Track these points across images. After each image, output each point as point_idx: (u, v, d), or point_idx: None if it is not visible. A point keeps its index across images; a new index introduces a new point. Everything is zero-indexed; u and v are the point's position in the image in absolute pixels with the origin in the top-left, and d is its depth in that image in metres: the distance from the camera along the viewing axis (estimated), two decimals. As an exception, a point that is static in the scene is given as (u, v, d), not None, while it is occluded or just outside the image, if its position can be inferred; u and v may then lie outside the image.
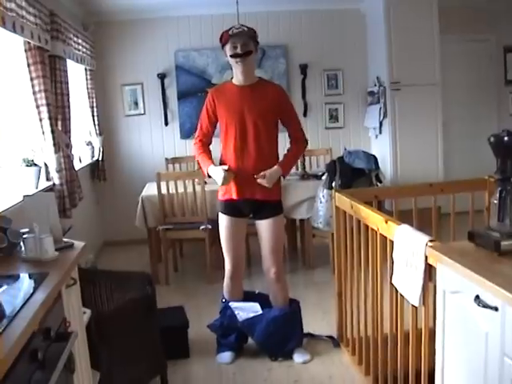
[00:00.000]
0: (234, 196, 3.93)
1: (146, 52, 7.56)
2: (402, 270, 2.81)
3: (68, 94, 5.47)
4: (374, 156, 5.88)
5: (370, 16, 7.70)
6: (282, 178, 3.97)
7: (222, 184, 3.86)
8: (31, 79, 4.60)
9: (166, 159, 7.13)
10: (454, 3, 7.49)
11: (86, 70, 6.83)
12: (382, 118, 7.47)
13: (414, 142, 7.37)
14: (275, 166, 3.88)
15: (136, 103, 7.69)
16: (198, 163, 4.15)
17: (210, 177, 3.97)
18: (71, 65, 6.00)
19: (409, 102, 7.32)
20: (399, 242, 2.85)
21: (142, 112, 7.69)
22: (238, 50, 3.77)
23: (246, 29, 3.79)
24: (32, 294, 2.09)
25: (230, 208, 3.97)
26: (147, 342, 3.54)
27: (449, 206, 4.07)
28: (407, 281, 2.76)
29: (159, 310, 3.89)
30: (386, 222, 3.04)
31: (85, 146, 7.03)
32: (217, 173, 3.85)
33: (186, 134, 7.59)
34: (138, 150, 7.70)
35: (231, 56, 3.81)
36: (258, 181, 3.81)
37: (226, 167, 3.83)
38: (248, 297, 4.23)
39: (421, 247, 2.56)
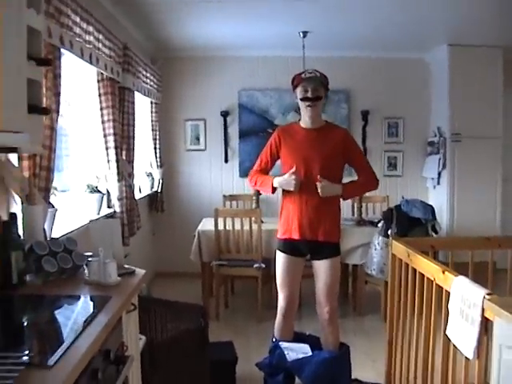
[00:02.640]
0: (295, 236, 3.96)
1: (210, 89, 7.74)
2: (458, 321, 2.79)
3: (134, 125, 5.64)
4: (431, 206, 5.85)
5: (433, 65, 7.73)
6: (341, 199, 4.00)
7: (295, 188, 3.85)
8: (101, 109, 4.77)
9: (224, 196, 7.23)
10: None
11: (151, 102, 7.02)
12: (440, 168, 7.43)
13: (472, 195, 7.30)
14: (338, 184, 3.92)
15: (198, 138, 7.83)
16: (259, 183, 4.10)
17: (274, 191, 4.00)
18: (138, 97, 6.18)
19: (469, 154, 7.28)
20: (456, 294, 2.83)
21: (203, 148, 7.84)
22: (309, 95, 3.85)
23: (318, 74, 3.88)
24: (95, 316, 2.16)
25: (289, 247, 4.01)
26: (197, 374, 3.58)
27: (503, 262, 4.03)
28: (462, 333, 2.74)
29: (209, 343, 3.93)
30: (443, 273, 3.03)
31: (145, 177, 7.19)
32: (286, 179, 3.87)
33: (245, 172, 7.66)
34: (197, 185, 7.83)
35: (301, 99, 3.89)
36: (317, 183, 3.82)
37: (293, 170, 3.84)
38: (298, 338, 4.22)
39: (478, 300, 2.54)
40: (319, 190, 3.83)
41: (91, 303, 2.42)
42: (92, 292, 2.55)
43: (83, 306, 2.41)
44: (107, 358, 2.14)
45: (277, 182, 3.94)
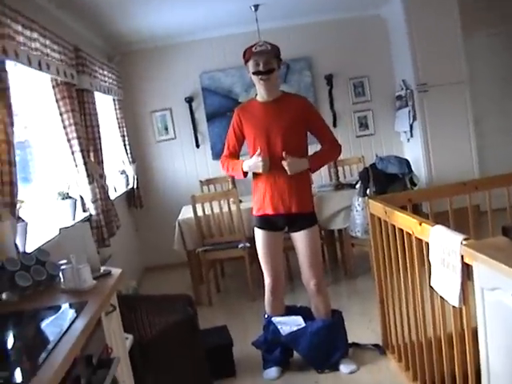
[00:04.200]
0: (269, 211, 3.94)
1: (171, 77, 7.67)
2: (440, 271, 2.78)
3: (98, 126, 5.56)
4: (406, 160, 5.84)
5: (390, 20, 7.69)
6: (309, 171, 3.96)
7: (264, 169, 3.82)
8: (60, 114, 4.69)
9: (200, 181, 7.19)
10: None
11: (114, 100, 6.94)
12: (411, 121, 7.42)
13: (446, 142, 7.30)
14: (303, 158, 3.89)
15: (166, 128, 7.78)
16: (230, 170, 4.07)
17: (246, 175, 3.96)
18: (99, 96, 6.10)
19: (438, 103, 7.26)
20: (434, 244, 2.82)
21: (173, 137, 7.79)
22: (261, 68, 3.80)
23: (269, 46, 3.82)
24: (72, 323, 2.13)
25: (265, 222, 3.99)
26: (192, 364, 3.56)
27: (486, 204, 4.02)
28: (446, 282, 2.73)
29: (203, 330, 3.92)
30: (420, 225, 3.02)
31: (119, 175, 7.13)
32: (254, 162, 3.84)
33: (218, 154, 7.55)
34: (172, 175, 7.78)
35: (253, 73, 3.84)
36: (282, 162, 3.79)
37: (258, 152, 3.81)
38: (290, 311, 4.22)
39: (456, 246, 2.53)
40: (286, 168, 3.79)
41: (72, 311, 2.38)
42: (69, 299, 2.52)
43: (64, 315, 2.37)
44: (90, 364, 2.11)
45: (246, 166, 3.91)
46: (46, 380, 1.65)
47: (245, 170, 3.92)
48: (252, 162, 3.86)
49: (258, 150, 3.82)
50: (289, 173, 3.80)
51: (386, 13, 7.67)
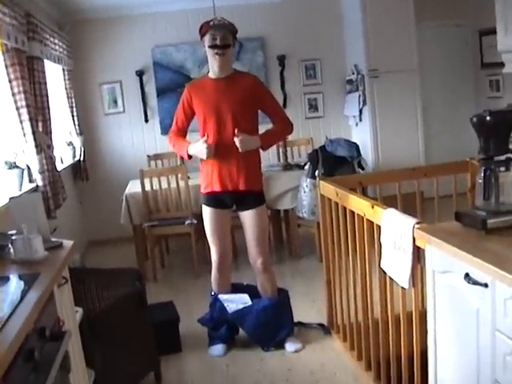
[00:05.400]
0: (217, 188, 3.94)
1: (123, 50, 7.52)
2: (391, 253, 2.84)
3: (47, 95, 5.42)
4: (355, 144, 5.92)
5: (344, 5, 7.73)
6: (260, 150, 4.00)
7: (208, 156, 3.83)
8: (9, 81, 4.56)
9: (148, 156, 7.10)
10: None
11: (63, 70, 6.78)
12: (361, 105, 7.50)
13: (394, 128, 7.41)
14: (255, 136, 3.91)
15: (115, 101, 7.65)
16: (176, 148, 4.10)
17: (190, 157, 3.97)
18: (49, 66, 5.95)
19: (387, 89, 7.35)
20: (386, 226, 2.87)
21: (122, 110, 7.67)
22: (218, 42, 3.78)
23: (227, 22, 3.81)
24: (25, 295, 2.09)
25: (213, 200, 3.99)
26: (139, 338, 3.55)
27: (431, 191, 4.11)
28: (396, 264, 2.79)
29: (149, 305, 3.89)
30: (373, 207, 3.06)
31: (66, 147, 6.99)
32: (198, 147, 3.84)
33: (167, 130, 7.37)
34: (120, 149, 7.67)
35: (210, 47, 3.81)
36: (234, 139, 3.79)
37: (204, 139, 3.82)
38: (236, 289, 4.25)
39: (408, 230, 2.59)
40: (238, 145, 3.79)
41: (22, 282, 2.33)
42: (20, 271, 2.46)
43: (14, 286, 2.32)
44: (43, 336, 2.07)
45: (191, 149, 3.91)
46: (1, 353, 1.61)
47: (190, 153, 3.93)
48: (197, 148, 3.86)
49: (205, 137, 3.82)
50: (240, 150, 3.80)
51: (341, -3, 7.71)
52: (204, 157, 3.85)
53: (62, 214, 5.50)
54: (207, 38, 3.81)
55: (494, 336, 1.96)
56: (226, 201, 3.99)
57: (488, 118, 2.30)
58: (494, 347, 1.97)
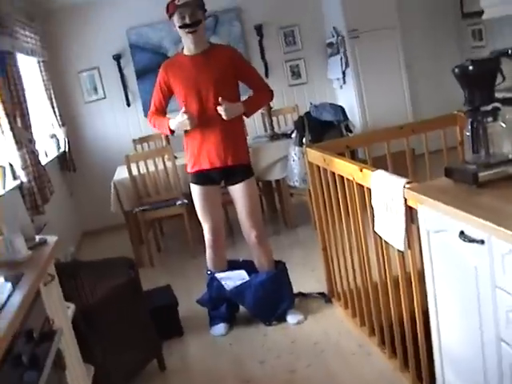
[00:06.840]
0: (205, 166, 3.88)
1: (97, 35, 7.34)
2: (383, 216, 2.77)
3: (23, 90, 5.30)
4: (340, 107, 5.82)
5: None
6: (244, 117, 3.94)
7: (192, 125, 3.76)
8: (-19, 78, 4.46)
9: (134, 140, 6.98)
10: None
11: (39, 62, 6.64)
12: (344, 67, 7.39)
13: (379, 88, 7.32)
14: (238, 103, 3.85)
15: (95, 88, 7.52)
16: (157, 127, 4.03)
17: (173, 133, 3.92)
18: (23, 59, 5.83)
19: (369, 49, 7.25)
20: (376, 189, 2.80)
21: (103, 96, 7.54)
22: (187, 21, 3.67)
23: None
24: (9, 297, 2.02)
25: (201, 177, 3.93)
26: (138, 327, 3.49)
27: (422, 147, 4.02)
28: (389, 226, 2.72)
29: (146, 291, 3.86)
30: (361, 171, 2.99)
31: (49, 140, 6.88)
32: (180, 120, 3.77)
33: (150, 111, 7.45)
34: (104, 136, 7.55)
35: (180, 27, 3.71)
36: (218, 108, 3.72)
37: (183, 109, 3.75)
38: (233, 266, 4.19)
39: (399, 190, 2.51)
40: (222, 113, 3.72)
41: (9, 284, 2.26)
42: (4, 272, 2.39)
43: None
44: (31, 339, 2.01)
45: (173, 125, 3.84)
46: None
47: (172, 128, 3.86)
48: (178, 121, 3.79)
49: (183, 109, 3.74)
50: (225, 118, 3.73)
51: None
52: (188, 127, 3.78)
53: (52, 208, 5.43)
54: (176, 18, 3.71)
55: (495, 293, 1.90)
56: (215, 177, 3.93)
57: (470, 67, 2.21)
58: (495, 304, 1.91)
